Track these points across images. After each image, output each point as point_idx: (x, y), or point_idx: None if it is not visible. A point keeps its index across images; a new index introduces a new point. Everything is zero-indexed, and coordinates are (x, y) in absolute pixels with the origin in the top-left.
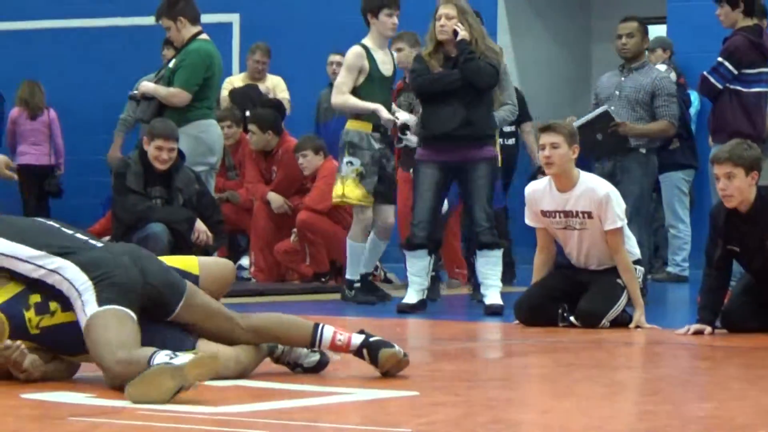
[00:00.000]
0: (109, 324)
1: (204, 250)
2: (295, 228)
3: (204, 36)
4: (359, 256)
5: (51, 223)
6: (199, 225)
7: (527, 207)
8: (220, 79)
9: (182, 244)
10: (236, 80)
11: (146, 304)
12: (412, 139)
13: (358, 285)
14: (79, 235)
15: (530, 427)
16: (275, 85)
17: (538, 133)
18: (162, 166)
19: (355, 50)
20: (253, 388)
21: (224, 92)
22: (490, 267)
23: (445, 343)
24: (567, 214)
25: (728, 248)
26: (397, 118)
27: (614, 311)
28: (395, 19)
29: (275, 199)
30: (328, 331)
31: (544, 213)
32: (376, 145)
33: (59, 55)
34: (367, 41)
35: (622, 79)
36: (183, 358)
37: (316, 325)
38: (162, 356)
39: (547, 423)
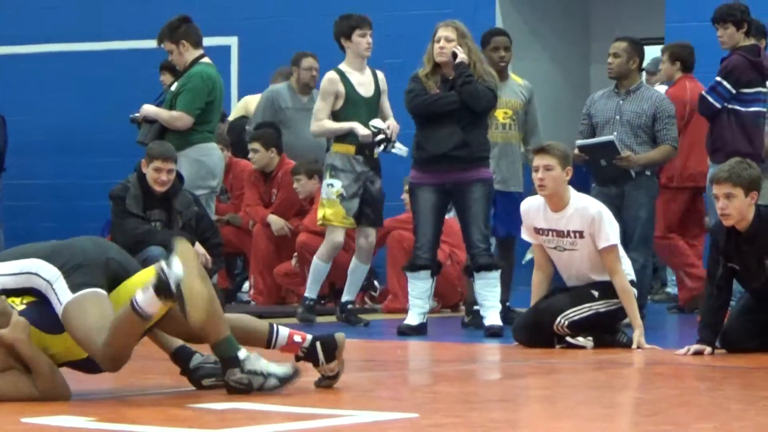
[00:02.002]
0: (87, 309)
1: None
2: (296, 251)
3: (206, 59)
4: (320, 275)
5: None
6: (198, 248)
7: (523, 222)
8: (221, 102)
9: None
10: (253, 100)
11: (113, 277)
12: (402, 148)
13: (309, 304)
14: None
15: None
16: None
17: (532, 155)
18: (161, 188)
19: (328, 76)
20: (251, 410)
21: (240, 112)
22: (488, 289)
23: (445, 364)
24: (559, 233)
25: (729, 266)
26: (373, 127)
27: (574, 312)
28: (369, 38)
29: (275, 221)
30: (284, 331)
31: (537, 230)
32: (359, 168)
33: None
34: (343, 65)
35: (620, 101)
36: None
37: (271, 325)
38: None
39: None
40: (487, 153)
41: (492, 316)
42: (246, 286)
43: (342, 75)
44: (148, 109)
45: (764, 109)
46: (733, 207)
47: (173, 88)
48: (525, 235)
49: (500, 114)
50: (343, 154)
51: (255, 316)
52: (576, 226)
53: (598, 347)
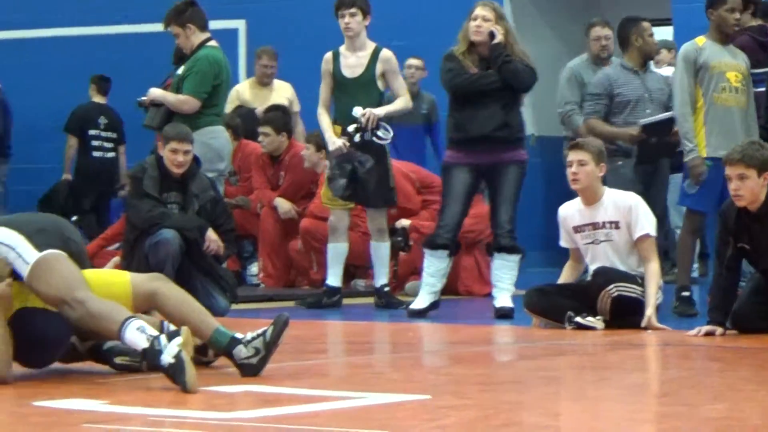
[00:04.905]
0: (61, 266)
1: (215, 259)
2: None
3: (213, 42)
4: (331, 258)
5: None
6: (211, 234)
7: (561, 228)
8: (228, 85)
9: (193, 252)
10: (243, 87)
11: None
12: (385, 135)
13: (329, 289)
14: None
15: (543, 430)
16: (289, 99)
17: (566, 151)
18: (178, 169)
19: (324, 57)
20: (263, 393)
21: (235, 103)
22: (505, 270)
23: (456, 346)
24: (595, 226)
25: (739, 246)
26: (353, 115)
27: (626, 289)
28: (347, 19)
29: (282, 204)
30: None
31: (575, 229)
32: (345, 149)
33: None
34: (342, 46)
35: (642, 79)
36: (173, 346)
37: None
38: (136, 323)
39: (559, 426)
40: (523, 134)
41: (503, 298)
42: (255, 268)
43: (336, 56)
44: (155, 92)
45: None
46: (746, 188)
47: (180, 71)
48: (563, 242)
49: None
50: None
51: (265, 298)
52: (612, 217)
53: (609, 329)
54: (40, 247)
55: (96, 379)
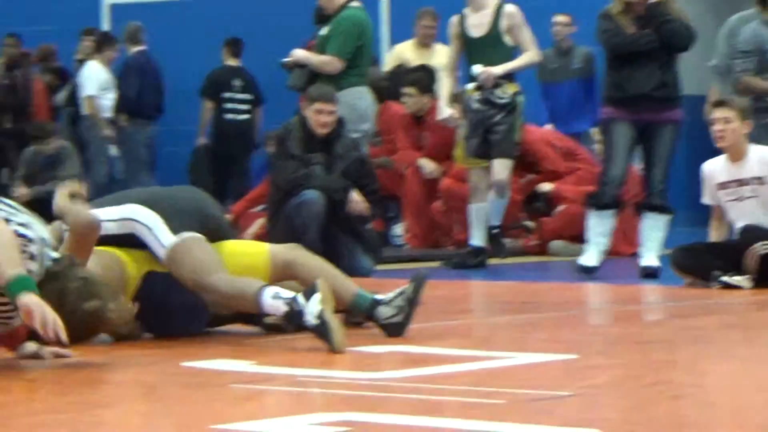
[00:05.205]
0: (197, 249)
1: (360, 220)
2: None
3: (356, 3)
4: (473, 219)
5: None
6: (355, 195)
7: (704, 184)
8: (371, 46)
9: (338, 213)
10: (405, 47)
11: (207, 236)
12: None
13: (472, 250)
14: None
15: (692, 389)
16: None
17: (710, 108)
18: (323, 129)
19: (450, 20)
20: (409, 353)
21: (395, 61)
22: (654, 230)
23: (603, 305)
24: (740, 182)
25: None
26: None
27: None
28: None
29: (426, 164)
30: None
31: (720, 185)
32: (474, 106)
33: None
34: (466, 8)
35: None
36: (314, 304)
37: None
38: (269, 291)
39: (709, 384)
40: (680, 93)
41: (650, 258)
42: (399, 229)
43: (462, 18)
44: (299, 53)
45: None
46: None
47: (323, 32)
48: (706, 199)
49: None
50: (466, 94)
51: (410, 259)
52: (757, 173)
53: (757, 287)
54: (176, 230)
55: (243, 340)
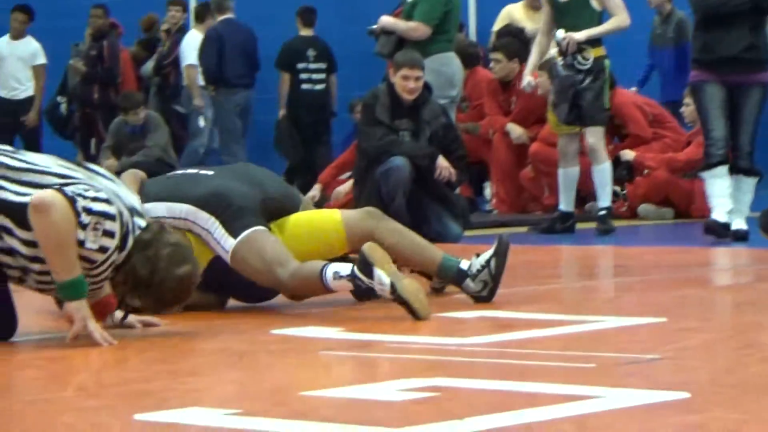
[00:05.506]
0: (258, 247)
1: (447, 185)
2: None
3: None
4: (562, 184)
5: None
6: (442, 161)
7: None
8: (459, 12)
9: (425, 179)
10: (515, 8)
11: (269, 217)
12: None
13: (560, 215)
14: (190, 171)
15: None
16: None
17: None
18: (409, 95)
19: None
20: (498, 318)
21: (505, 21)
22: (741, 193)
23: (691, 269)
24: None
25: None
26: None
27: None
28: None
29: (514, 129)
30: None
31: None
32: (563, 72)
33: None
34: None
35: None
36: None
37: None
38: (329, 272)
39: None
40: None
41: (738, 221)
42: (488, 194)
43: None
44: (386, 20)
45: None
46: None
47: None
48: None
49: None
50: (552, 59)
51: (498, 224)
52: None
53: None
54: (236, 232)
55: (332, 307)
